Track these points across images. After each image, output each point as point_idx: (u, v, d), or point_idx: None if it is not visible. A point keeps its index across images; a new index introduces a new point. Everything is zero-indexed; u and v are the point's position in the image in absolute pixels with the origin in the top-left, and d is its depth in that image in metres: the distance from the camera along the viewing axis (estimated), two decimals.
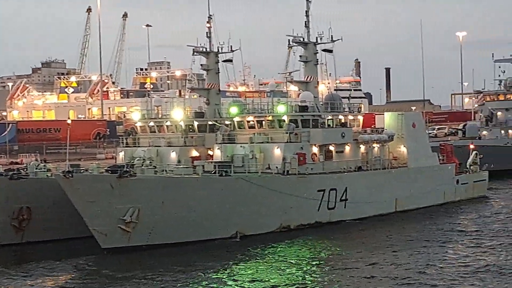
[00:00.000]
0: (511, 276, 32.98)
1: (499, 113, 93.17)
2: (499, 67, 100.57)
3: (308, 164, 49.18)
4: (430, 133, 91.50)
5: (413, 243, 42.11)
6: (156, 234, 41.98)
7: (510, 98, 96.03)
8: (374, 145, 55.36)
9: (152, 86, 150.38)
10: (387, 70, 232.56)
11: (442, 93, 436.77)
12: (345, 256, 39.13)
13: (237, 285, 33.22)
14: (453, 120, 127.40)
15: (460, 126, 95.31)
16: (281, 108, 51.39)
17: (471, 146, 67.78)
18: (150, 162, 49.75)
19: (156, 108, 56.68)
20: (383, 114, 62.48)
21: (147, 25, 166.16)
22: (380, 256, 38.54)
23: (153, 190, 41.85)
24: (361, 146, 54.38)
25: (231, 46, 56.80)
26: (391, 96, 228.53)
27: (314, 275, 34.59)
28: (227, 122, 53.83)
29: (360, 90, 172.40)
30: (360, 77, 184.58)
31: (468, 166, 64.23)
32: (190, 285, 33.58)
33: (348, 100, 57.17)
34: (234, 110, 52.96)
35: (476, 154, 65.32)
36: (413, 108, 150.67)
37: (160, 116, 55.95)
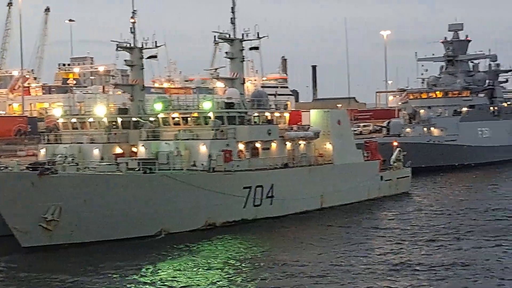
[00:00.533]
0: (430, 272, 33.55)
1: (422, 111, 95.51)
2: (422, 65, 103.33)
3: (234, 161, 49.22)
4: (355, 130, 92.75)
5: (337, 240, 42.56)
6: (78, 232, 41.36)
7: (432, 96, 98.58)
8: (300, 142, 55.85)
9: (74, 82, 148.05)
10: (314, 68, 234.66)
11: (368, 91, 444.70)
12: (270, 253, 39.25)
13: (161, 284, 32.95)
14: (378, 118, 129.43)
15: (385, 124, 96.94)
16: (206, 105, 51.27)
17: (395, 143, 69.18)
18: (72, 159, 49.09)
19: (78, 104, 55.84)
20: (310, 111, 63.06)
21: (70, 20, 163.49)
22: (304, 252, 38.86)
23: (75, 187, 41.24)
24: (287, 143, 54.77)
25: (155, 42, 56.46)
26: (318, 94, 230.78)
27: (239, 273, 34.62)
28: (151, 119, 53.42)
29: (287, 87, 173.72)
30: (286, 75, 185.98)
31: (392, 163, 65.48)
32: (112, 284, 33.13)
33: (275, 97, 57.70)
34: (158, 106, 52.57)
35: (399, 151, 66.64)
36: (339, 105, 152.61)
37: (82, 112, 55.16)
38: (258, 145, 52.40)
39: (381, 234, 44.07)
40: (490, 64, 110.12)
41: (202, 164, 47.77)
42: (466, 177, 79.68)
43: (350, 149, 59.96)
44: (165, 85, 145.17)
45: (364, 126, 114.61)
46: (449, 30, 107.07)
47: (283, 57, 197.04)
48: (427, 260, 35.90)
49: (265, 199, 50.16)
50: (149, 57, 56.95)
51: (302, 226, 48.27)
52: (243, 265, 36.21)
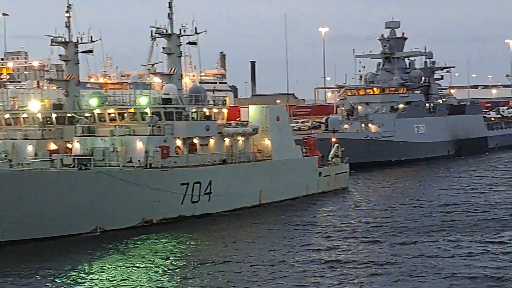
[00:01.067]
0: (367, 268, 33.82)
1: (359, 107, 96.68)
2: (360, 62, 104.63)
3: (171, 157, 48.95)
4: (294, 126, 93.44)
5: (273, 237, 42.33)
6: (12, 230, 40.50)
7: (370, 92, 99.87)
8: (239, 138, 55.86)
9: (8, 77, 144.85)
10: (252, 64, 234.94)
11: (306, 87, 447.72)
12: (206, 250, 39.07)
13: (96, 283, 32.51)
14: (316, 114, 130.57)
15: (323, 120, 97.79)
16: (143, 100, 50.87)
17: (333, 139, 69.81)
18: (6, 156, 48.15)
19: (12, 99, 54.81)
20: (248, 107, 63.14)
21: (4, 14, 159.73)
22: (241, 249, 38.79)
23: (8, 184, 40.41)
24: (225, 139, 54.71)
25: (91, 37, 55.71)
26: (257, 90, 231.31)
27: (175, 271, 34.39)
28: (87, 115, 52.70)
29: (226, 83, 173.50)
30: (225, 70, 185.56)
31: (330, 159, 66.06)
32: (46, 284, 32.56)
33: (213, 93, 57.52)
34: (94, 102, 51.94)
35: (337, 147, 67.28)
36: (278, 101, 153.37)
37: (16, 108, 54.16)
38: (196, 141, 52.20)
39: (317, 231, 44.14)
40: (426, 62, 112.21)
41: (139, 161, 47.36)
42: (402, 172, 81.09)
43: (289, 145, 60.27)
44: (101, 80, 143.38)
45: (303, 122, 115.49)
46: (386, 28, 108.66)
47: (221, 52, 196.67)
48: (362, 257, 36.08)
49: (203, 195, 50.01)
50: (84, 52, 56.18)
51: (239, 222, 48.24)
52: (178, 263, 35.92)
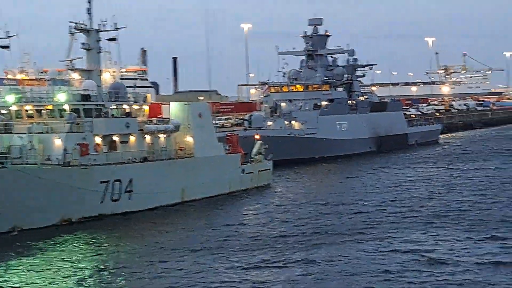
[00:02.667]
0: (293, 266, 33.99)
1: (283, 104, 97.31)
2: (283, 59, 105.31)
3: (91, 155, 48.39)
4: (216, 124, 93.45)
5: (195, 238, 42.13)
6: None
7: (293, 90, 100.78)
8: (160, 135, 55.60)
9: None
10: (174, 60, 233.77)
11: (229, 84, 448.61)
12: (125, 249, 38.79)
13: (10, 285, 31.88)
14: (240, 111, 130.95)
15: (246, 117, 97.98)
16: (61, 97, 50.14)
17: (257, 137, 70.20)
18: None
19: None
20: (170, 104, 62.86)
21: None
22: (158, 251, 38.59)
23: None
24: (146, 136, 54.38)
25: (7, 32, 54.56)
26: (179, 86, 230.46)
27: (91, 271, 34.10)
28: (3, 111, 51.51)
29: (147, 79, 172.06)
30: (146, 66, 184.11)
31: (253, 156, 66.41)
32: None
33: (134, 89, 57.01)
34: (10, 98, 50.85)
35: (261, 144, 67.68)
36: (201, 98, 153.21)
37: None
38: (116, 138, 51.71)
39: (240, 229, 44.28)
40: (348, 59, 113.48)
41: (57, 158, 46.75)
42: (325, 169, 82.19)
43: (211, 142, 60.32)
44: (18, 76, 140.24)
45: (226, 119, 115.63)
46: (309, 25, 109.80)
47: (142, 48, 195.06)
48: (281, 257, 36.04)
49: (123, 193, 49.60)
50: (0, 47, 54.96)
51: (159, 221, 47.92)
52: (94, 264, 35.62)
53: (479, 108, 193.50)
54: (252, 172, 64.53)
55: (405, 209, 49.79)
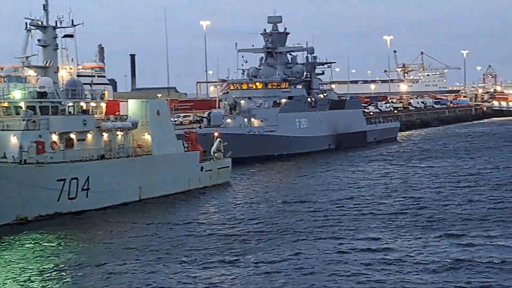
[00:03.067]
0: (250, 266, 33.98)
1: (242, 102, 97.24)
2: (242, 57, 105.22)
3: (47, 152, 47.88)
4: (175, 121, 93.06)
5: (150, 236, 41.88)
6: None
7: (252, 87, 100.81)
8: (118, 132, 55.22)
9: None
10: (132, 57, 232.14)
11: (188, 81, 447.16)
12: (79, 249, 38.47)
13: None
14: (199, 108, 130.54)
15: (205, 114, 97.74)
16: (17, 94, 49.54)
17: (216, 134, 70.08)
18: None
19: None
20: (128, 101, 62.50)
21: None
22: (117, 248, 38.47)
23: None
24: (104, 134, 53.98)
25: None
26: (137, 83, 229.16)
27: (43, 271, 33.74)
28: None
29: (104, 76, 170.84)
30: (104, 63, 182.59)
31: (212, 154, 66.30)
32: None
33: (91, 86, 56.58)
34: None
35: (220, 141, 67.61)
36: (159, 95, 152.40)
37: None
38: (73, 136, 51.23)
39: (195, 230, 43.78)
40: (307, 57, 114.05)
41: (13, 156, 46.20)
42: (284, 166, 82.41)
43: (170, 139, 60.09)
44: None
45: (185, 116, 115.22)
46: (268, 22, 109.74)
47: (100, 45, 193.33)
48: (238, 256, 35.87)
49: (80, 191, 49.17)
50: None
51: (116, 220, 47.52)
52: (52, 262, 35.36)
53: (436, 106, 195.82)
54: (211, 170, 64.45)
55: (363, 207, 50.03)
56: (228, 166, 67.65)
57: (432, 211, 47.71)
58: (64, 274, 33.18)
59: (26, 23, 54.01)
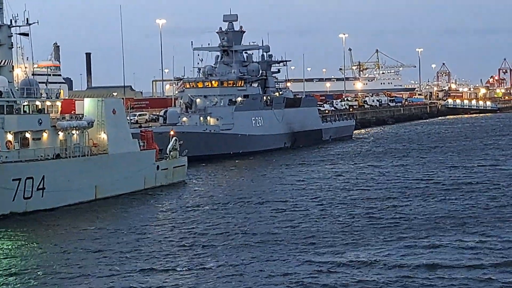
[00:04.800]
0: (203, 270, 33.97)
1: (198, 100, 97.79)
2: (198, 55, 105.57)
3: (2, 152, 47.95)
4: (131, 120, 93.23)
5: (104, 236, 42.24)
6: None
7: (208, 85, 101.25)
8: (74, 132, 55.41)
9: None
10: (88, 55, 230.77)
11: (144, 79, 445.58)
12: (30, 251, 38.50)
13: None
14: (155, 107, 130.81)
15: (161, 113, 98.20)
16: None
17: (171, 133, 70.52)
18: None
19: None
20: (84, 100, 62.65)
21: None
22: (69, 249, 38.58)
23: None
24: (59, 133, 54.13)
25: None
26: (93, 82, 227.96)
27: (7, 270, 33.97)
28: None
29: (60, 75, 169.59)
30: (59, 62, 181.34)
31: (168, 152, 66.75)
32: None
33: (46, 85, 56.56)
34: None
35: (176, 140, 68.06)
36: (115, 94, 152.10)
37: None
38: (28, 135, 51.34)
39: (145, 230, 44.09)
40: (263, 55, 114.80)
41: None
42: (240, 165, 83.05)
43: (126, 138, 60.43)
44: None
45: (140, 115, 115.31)
46: (224, 21, 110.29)
47: (55, 43, 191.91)
48: (192, 260, 35.93)
49: (36, 191, 49.32)
50: None
51: (72, 218, 47.89)
52: (8, 262, 35.54)
53: (391, 104, 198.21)
54: (167, 169, 64.93)
55: (317, 210, 49.76)
56: (184, 165, 68.18)
57: (387, 213, 47.39)
58: (14, 278, 32.89)
59: None
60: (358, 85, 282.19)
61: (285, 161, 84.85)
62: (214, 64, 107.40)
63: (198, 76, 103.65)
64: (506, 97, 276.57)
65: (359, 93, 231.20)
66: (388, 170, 72.69)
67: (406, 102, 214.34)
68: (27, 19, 54.38)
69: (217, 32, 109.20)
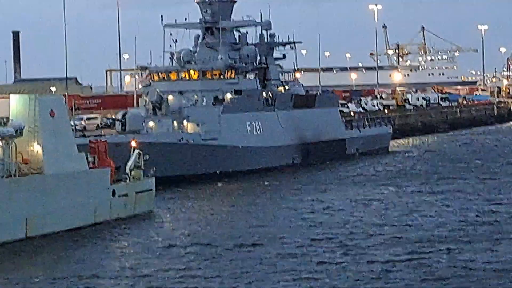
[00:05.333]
0: None
1: (170, 98, 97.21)
2: (171, 34, 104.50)
3: None
4: (76, 125, 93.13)
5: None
6: None
7: (185, 77, 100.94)
8: None
9: None
10: (16, 35, 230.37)
11: (95, 68, 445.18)
12: None
13: None
14: (109, 107, 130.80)
15: (119, 116, 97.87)
16: None
17: (133, 144, 70.37)
18: None
19: None
20: (9, 97, 62.73)
21: None
22: None
23: None
24: None
25: None
26: (22, 72, 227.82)
27: None
28: None
29: None
30: None
31: (128, 171, 66.65)
32: None
33: None
34: None
35: (139, 154, 67.98)
36: (53, 89, 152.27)
37: None
38: None
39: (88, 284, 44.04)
40: (262, 34, 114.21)
41: None
42: (228, 190, 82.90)
43: (69, 152, 60.35)
44: None
45: (90, 119, 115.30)
46: None
47: None
48: None
49: None
50: None
51: None
52: None
53: (444, 104, 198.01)
54: (127, 195, 64.82)
55: (337, 255, 49.50)
56: (151, 190, 68.06)
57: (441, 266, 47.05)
58: None
59: None
60: (397, 77, 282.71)
61: (292, 186, 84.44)
62: (193, 47, 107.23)
63: (171, 64, 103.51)
64: None
65: (397, 88, 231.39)
66: (440, 199, 72.05)
67: (465, 101, 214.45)
68: None
69: (197, 2, 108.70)
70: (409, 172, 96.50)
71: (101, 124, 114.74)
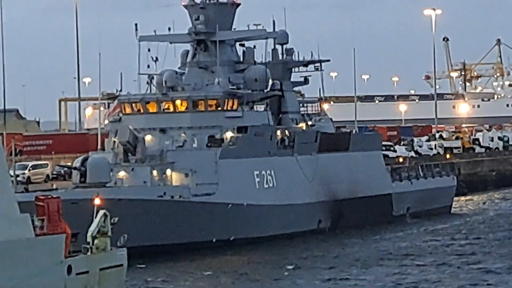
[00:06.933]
0: None
1: (148, 138, 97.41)
2: (149, 50, 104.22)
3: None
4: (17, 176, 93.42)
5: None
6: None
7: (169, 109, 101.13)
8: None
9: None
10: None
11: (44, 97, 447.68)
12: None
13: None
14: (64, 151, 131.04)
15: (77, 163, 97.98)
16: None
17: (97, 201, 70.48)
18: None
19: None
20: None
21: None
22: None
23: None
24: None
25: None
26: None
27: None
28: None
29: None
30: None
31: (90, 240, 66.81)
32: None
33: None
34: None
35: (105, 216, 68.15)
36: None
37: None
38: None
39: None
40: (275, 50, 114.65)
41: None
42: (228, 266, 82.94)
43: (6, 212, 60.61)
44: None
45: (36, 167, 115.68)
46: None
47: None
48: None
49: None
50: None
51: None
52: None
53: None
54: (88, 272, 64.97)
55: None
56: (122, 265, 68.21)
57: None
58: None
59: None
60: (463, 109, 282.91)
61: (316, 261, 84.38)
62: (179, 68, 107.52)
63: (149, 91, 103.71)
64: None
65: (464, 125, 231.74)
66: None
67: None
68: None
69: (184, 6, 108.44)
70: (483, 244, 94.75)
71: (52, 174, 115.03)
